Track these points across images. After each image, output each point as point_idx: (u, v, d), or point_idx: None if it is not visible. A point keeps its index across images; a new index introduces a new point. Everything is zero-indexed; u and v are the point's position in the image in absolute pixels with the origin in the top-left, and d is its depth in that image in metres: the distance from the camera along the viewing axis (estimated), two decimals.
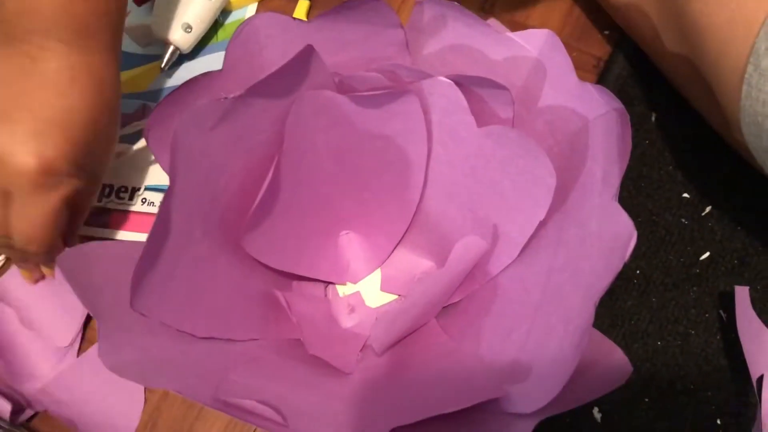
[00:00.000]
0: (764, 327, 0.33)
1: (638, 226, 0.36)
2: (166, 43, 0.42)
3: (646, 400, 0.33)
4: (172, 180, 0.27)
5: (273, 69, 0.27)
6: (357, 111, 0.31)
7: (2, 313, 0.37)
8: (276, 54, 0.30)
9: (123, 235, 0.39)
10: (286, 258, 0.34)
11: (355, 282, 0.36)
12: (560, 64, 0.28)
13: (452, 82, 0.29)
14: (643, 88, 0.38)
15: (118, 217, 0.40)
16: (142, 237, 0.39)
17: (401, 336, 0.32)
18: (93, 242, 0.29)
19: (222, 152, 0.29)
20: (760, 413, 0.32)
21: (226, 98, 0.28)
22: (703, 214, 0.36)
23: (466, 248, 0.30)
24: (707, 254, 0.35)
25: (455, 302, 0.33)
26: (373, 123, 0.31)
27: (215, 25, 0.44)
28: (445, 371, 0.29)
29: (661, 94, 0.38)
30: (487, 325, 0.29)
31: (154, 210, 0.39)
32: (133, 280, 0.26)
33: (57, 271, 0.28)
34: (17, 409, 0.35)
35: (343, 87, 0.31)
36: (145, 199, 0.40)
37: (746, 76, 0.27)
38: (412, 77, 0.29)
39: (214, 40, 0.44)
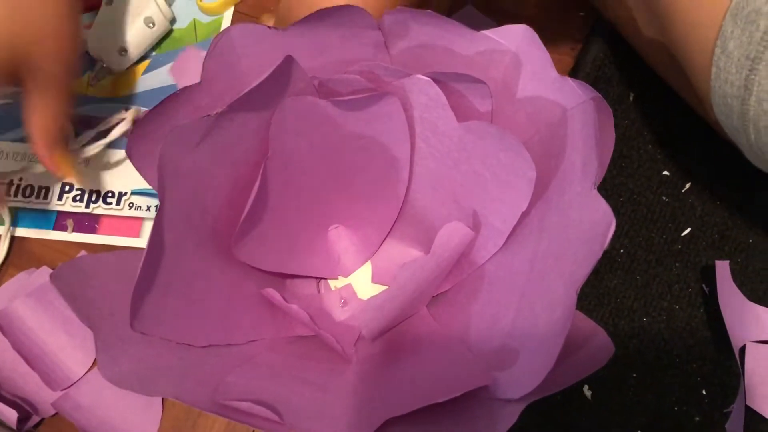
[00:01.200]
0: (745, 299, 0.34)
1: (620, 205, 0.36)
2: (98, 60, 0.42)
3: (634, 375, 0.34)
4: (161, 200, 0.28)
5: (252, 79, 0.28)
6: (339, 114, 0.31)
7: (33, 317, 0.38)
8: (254, 64, 0.30)
9: (112, 240, 0.39)
10: (278, 259, 0.34)
11: (346, 276, 0.36)
12: (538, 58, 0.28)
13: (431, 80, 0.29)
14: (621, 68, 0.39)
15: (107, 222, 0.40)
16: (131, 241, 0.39)
17: (391, 323, 0.33)
18: (86, 255, 0.29)
19: (208, 166, 0.30)
20: (743, 382, 0.33)
21: (208, 116, 0.28)
22: (683, 190, 0.37)
23: (449, 234, 0.31)
24: (688, 230, 0.36)
25: (445, 291, 0.33)
26: (356, 124, 0.32)
27: (195, 25, 0.44)
28: (436, 360, 0.29)
29: (639, 74, 0.38)
30: (475, 312, 0.30)
31: (142, 214, 0.40)
32: (132, 302, 0.27)
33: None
34: (23, 416, 0.35)
35: (323, 90, 0.31)
36: (132, 203, 0.40)
37: (714, 58, 0.27)
38: (391, 76, 0.30)
39: (192, 40, 0.44)
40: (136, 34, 0.42)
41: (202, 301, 0.30)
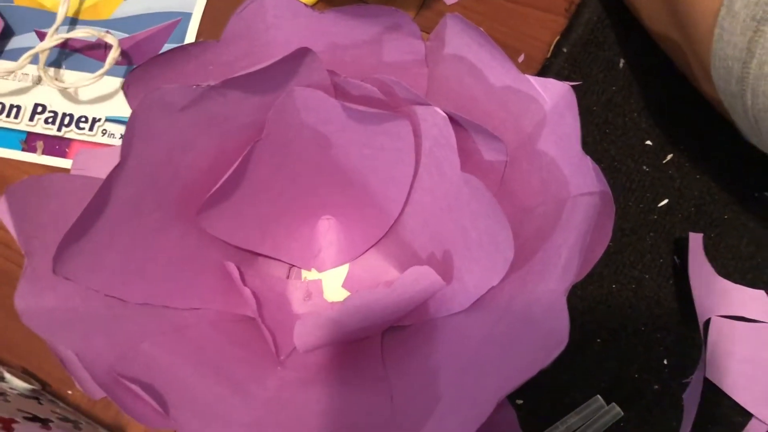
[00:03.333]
0: (714, 273, 0.34)
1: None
2: None
3: (598, 340, 0.34)
4: (124, 155, 0.26)
5: (273, 51, 0.26)
6: (348, 117, 0.30)
7: None
8: (281, 37, 0.29)
9: None
10: (246, 237, 0.33)
11: (320, 270, 0.36)
12: (569, 125, 0.27)
13: (447, 117, 0.28)
14: (614, 33, 0.38)
15: (78, 147, 0.39)
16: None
17: (330, 342, 0.31)
18: (55, 174, 0.28)
19: (190, 132, 0.28)
20: (705, 355, 0.33)
21: (198, 86, 0.26)
22: (664, 161, 0.36)
23: (417, 277, 0.29)
24: (665, 201, 0.36)
25: (404, 327, 0.32)
26: (364, 132, 0.30)
27: None
28: (362, 404, 0.28)
29: (631, 41, 0.38)
30: (413, 367, 0.29)
31: (115, 142, 0.39)
32: (60, 245, 0.25)
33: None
34: None
35: (337, 89, 0.30)
36: (105, 130, 0.39)
37: (719, 18, 0.27)
38: (408, 99, 0.28)
39: None
40: None
41: (150, 259, 0.29)
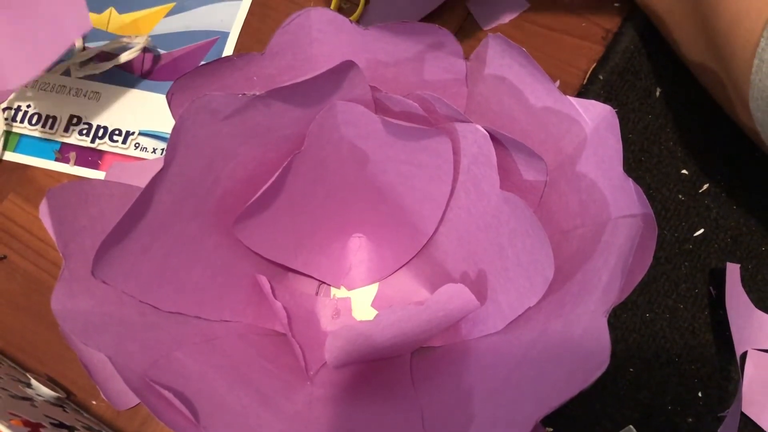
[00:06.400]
0: (752, 305, 0.33)
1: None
2: None
3: (631, 370, 0.33)
4: (167, 160, 0.27)
5: (318, 65, 0.27)
6: (388, 133, 0.30)
7: None
8: (325, 51, 0.29)
9: None
10: (280, 251, 0.33)
11: (349, 289, 0.35)
12: (611, 147, 0.26)
13: (488, 134, 0.27)
14: (650, 62, 0.38)
15: (110, 160, 0.39)
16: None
17: (361, 358, 0.31)
18: (96, 179, 0.28)
19: (233, 142, 0.28)
20: (741, 389, 0.32)
21: (244, 94, 0.27)
22: (700, 191, 0.36)
23: (451, 295, 0.29)
24: (701, 231, 0.35)
25: (435, 348, 0.32)
26: (403, 149, 0.30)
27: None
28: (392, 423, 0.28)
29: (668, 70, 0.38)
30: (444, 388, 0.29)
31: (147, 155, 0.39)
32: (100, 248, 0.26)
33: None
34: None
35: (378, 105, 0.30)
36: (138, 144, 0.39)
37: (758, 49, 0.27)
38: (448, 116, 0.28)
39: None
40: None
41: (184, 267, 0.29)
